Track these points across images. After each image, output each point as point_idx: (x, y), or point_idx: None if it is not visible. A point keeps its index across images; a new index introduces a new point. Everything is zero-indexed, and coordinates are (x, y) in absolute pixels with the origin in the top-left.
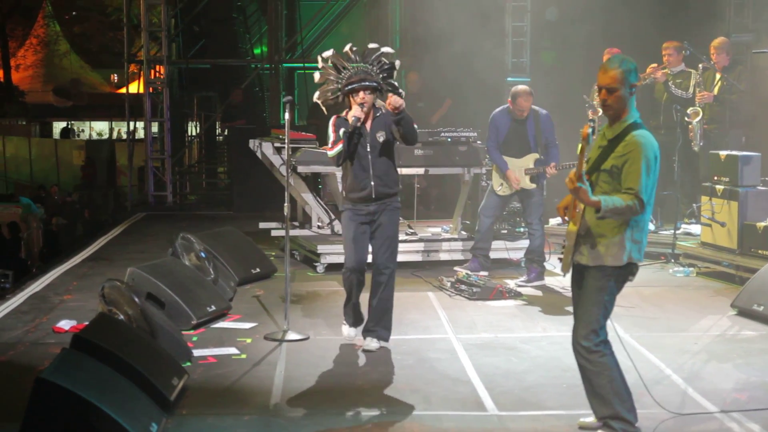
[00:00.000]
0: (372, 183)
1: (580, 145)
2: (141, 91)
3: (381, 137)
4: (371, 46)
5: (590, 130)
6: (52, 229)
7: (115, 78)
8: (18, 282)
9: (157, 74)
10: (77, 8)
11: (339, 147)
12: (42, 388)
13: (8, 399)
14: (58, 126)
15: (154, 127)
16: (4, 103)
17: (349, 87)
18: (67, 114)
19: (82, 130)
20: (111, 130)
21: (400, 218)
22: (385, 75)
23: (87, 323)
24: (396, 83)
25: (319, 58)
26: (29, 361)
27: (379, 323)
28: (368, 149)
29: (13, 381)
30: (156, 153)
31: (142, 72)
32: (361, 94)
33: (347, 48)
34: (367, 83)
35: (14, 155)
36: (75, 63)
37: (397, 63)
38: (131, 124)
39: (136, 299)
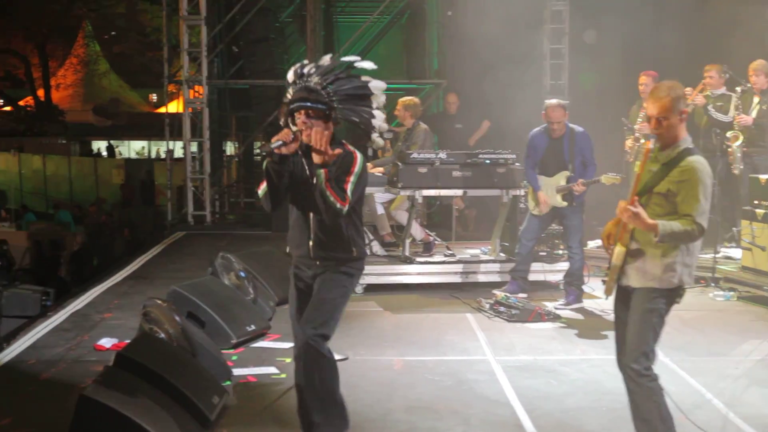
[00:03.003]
0: (310, 242)
1: (637, 167)
2: (180, 110)
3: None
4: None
5: (652, 154)
6: (76, 249)
7: (154, 98)
8: (59, 300)
9: (196, 94)
10: (117, 28)
11: (264, 186)
12: (85, 406)
13: (51, 416)
14: (97, 145)
15: (193, 147)
16: (45, 122)
17: (290, 108)
18: (107, 133)
19: (120, 152)
20: (150, 149)
21: (433, 241)
22: (340, 97)
23: (128, 341)
24: (371, 112)
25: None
26: (71, 378)
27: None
28: (313, 191)
29: (56, 398)
30: (195, 172)
31: (181, 92)
32: (302, 117)
33: (325, 59)
34: (308, 104)
35: (54, 173)
36: (114, 83)
37: (376, 85)
38: (170, 143)
39: (177, 318)
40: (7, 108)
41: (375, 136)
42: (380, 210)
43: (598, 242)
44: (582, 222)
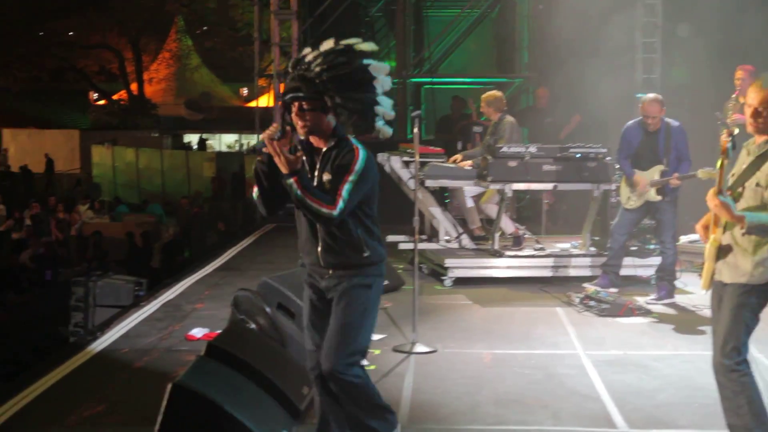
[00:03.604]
0: (318, 248)
1: (720, 160)
2: (271, 104)
3: (328, 183)
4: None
5: (729, 145)
6: (168, 241)
7: (245, 92)
8: (151, 290)
9: None
10: (209, 23)
11: (256, 189)
12: (177, 394)
13: (143, 404)
14: (189, 138)
15: None
16: (138, 115)
17: (283, 100)
18: (198, 127)
19: (211, 145)
20: (241, 142)
21: (523, 235)
22: (338, 85)
23: (219, 332)
24: (375, 99)
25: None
26: (163, 367)
27: None
28: None
29: (148, 386)
30: None
31: (271, 86)
32: (294, 108)
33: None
34: (300, 94)
35: (147, 166)
36: (206, 77)
37: (378, 67)
38: (260, 137)
39: (267, 309)
40: (102, 102)
41: (380, 124)
42: (470, 203)
43: (691, 237)
44: (675, 217)
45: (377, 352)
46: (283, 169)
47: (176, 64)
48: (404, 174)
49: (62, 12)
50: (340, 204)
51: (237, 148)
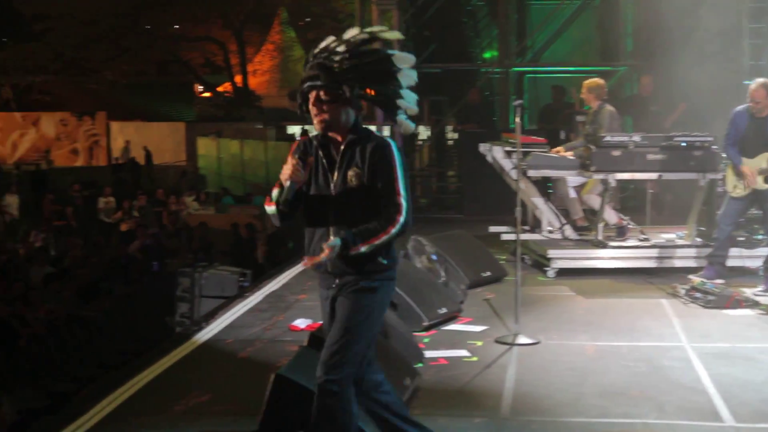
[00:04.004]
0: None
1: None
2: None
3: (354, 179)
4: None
5: None
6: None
7: None
8: (256, 281)
9: None
10: (311, 15)
11: (271, 208)
12: (280, 384)
13: (247, 394)
14: (293, 129)
15: (385, 131)
16: (242, 107)
17: (301, 89)
18: (302, 118)
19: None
20: None
21: (627, 225)
22: (360, 75)
23: (322, 322)
24: (397, 91)
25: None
26: (267, 357)
27: None
28: (331, 190)
29: (252, 376)
30: None
31: None
32: (311, 99)
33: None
34: (319, 83)
35: (251, 158)
36: None
37: (402, 58)
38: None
39: None
40: (207, 94)
41: (402, 118)
42: (572, 194)
43: None
44: None
45: (480, 343)
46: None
47: (279, 55)
48: (506, 164)
49: (168, 5)
50: (403, 203)
51: None
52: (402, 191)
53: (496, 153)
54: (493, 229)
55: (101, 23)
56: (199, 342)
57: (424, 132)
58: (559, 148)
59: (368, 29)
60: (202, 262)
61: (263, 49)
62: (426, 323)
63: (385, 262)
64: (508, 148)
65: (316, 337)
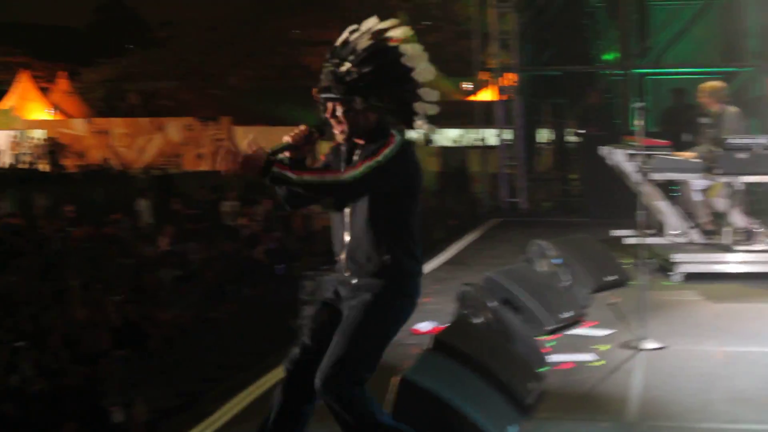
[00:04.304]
0: (343, 254)
1: None
2: (492, 98)
3: None
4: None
5: None
6: None
7: (467, 86)
8: None
9: (508, 81)
10: (431, 18)
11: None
12: (405, 388)
13: (372, 392)
14: (412, 133)
15: (506, 134)
16: None
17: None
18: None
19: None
20: (465, 137)
21: (756, 229)
22: (371, 80)
23: (445, 326)
24: (414, 93)
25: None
26: (391, 360)
27: None
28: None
29: (375, 378)
30: (508, 160)
31: (493, 79)
32: (328, 110)
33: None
34: (331, 95)
35: None
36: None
37: (413, 53)
38: (483, 131)
39: (492, 304)
40: None
41: (420, 122)
42: (697, 197)
43: None
44: None
45: (605, 347)
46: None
47: None
48: (628, 167)
49: (289, 10)
50: (354, 172)
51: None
52: (363, 167)
53: (617, 156)
54: (615, 233)
55: (224, 29)
56: None
57: (545, 135)
58: (686, 153)
59: (378, 26)
60: (325, 265)
61: None
62: (549, 327)
63: (388, 262)
64: (630, 151)
65: (439, 341)
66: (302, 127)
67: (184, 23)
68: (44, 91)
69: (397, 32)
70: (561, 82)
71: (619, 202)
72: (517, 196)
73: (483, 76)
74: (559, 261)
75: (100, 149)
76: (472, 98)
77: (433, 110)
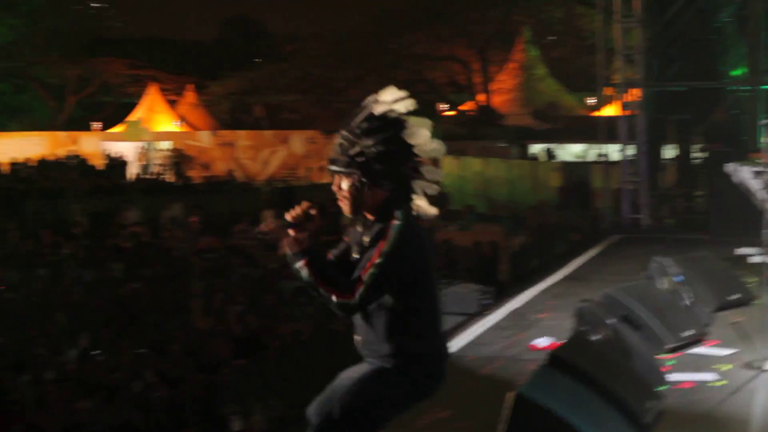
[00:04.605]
0: (359, 336)
1: None
2: (616, 113)
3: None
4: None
5: None
6: (516, 250)
7: (591, 101)
8: (497, 298)
9: (633, 97)
10: (555, 33)
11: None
12: (520, 404)
13: (487, 411)
14: (535, 148)
15: (630, 150)
16: (485, 126)
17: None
18: (545, 136)
19: (557, 155)
20: (587, 152)
21: None
22: (367, 159)
23: (562, 342)
24: (415, 169)
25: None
26: (507, 375)
27: None
28: None
29: (493, 394)
30: (631, 176)
31: (617, 95)
32: (335, 182)
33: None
34: (333, 168)
35: (494, 176)
36: (552, 86)
37: (417, 134)
38: (606, 147)
39: (611, 321)
40: (451, 113)
41: (419, 200)
42: None
43: None
44: None
45: (728, 367)
46: (288, 249)
47: (522, 74)
48: (754, 185)
49: (413, 25)
50: (361, 291)
51: (584, 158)
52: (366, 279)
53: (742, 173)
54: (740, 251)
55: (348, 44)
56: None
57: (670, 151)
58: None
59: (384, 97)
60: (445, 278)
61: (506, 67)
62: (669, 346)
63: (396, 352)
64: (755, 168)
65: (556, 357)
66: (304, 205)
67: (309, 37)
68: (172, 103)
69: (400, 106)
70: (686, 98)
71: (745, 220)
72: (639, 212)
73: (607, 91)
74: (680, 279)
75: (225, 161)
76: (595, 113)
77: (433, 190)
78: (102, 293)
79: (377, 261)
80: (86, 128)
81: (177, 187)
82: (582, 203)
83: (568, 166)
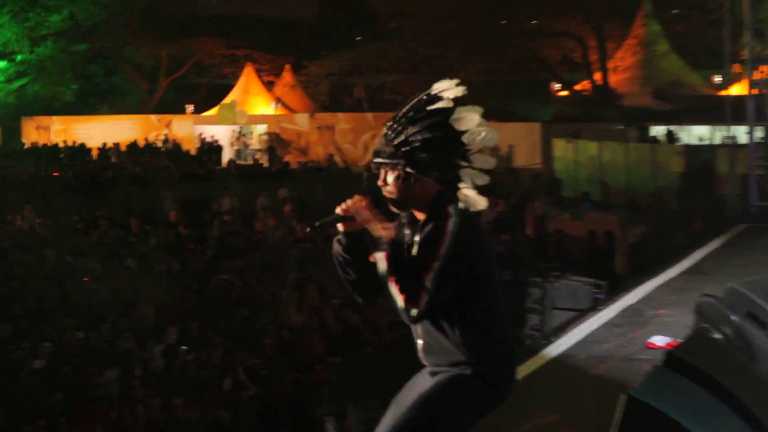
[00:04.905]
0: (420, 342)
1: None
2: (744, 92)
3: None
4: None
5: None
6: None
7: (717, 79)
8: (611, 293)
9: (762, 74)
10: (679, 6)
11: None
12: (632, 408)
13: (598, 415)
14: (656, 130)
15: (758, 132)
16: (601, 106)
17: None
18: (666, 118)
19: (680, 137)
20: (713, 135)
21: None
22: (412, 148)
23: (681, 340)
24: (462, 157)
25: None
26: (620, 376)
27: None
28: None
29: (603, 396)
30: (760, 160)
31: (745, 72)
32: (380, 176)
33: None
34: (378, 160)
35: (610, 161)
36: (675, 63)
37: (468, 119)
38: (733, 128)
39: (735, 317)
40: (564, 92)
41: (467, 191)
42: None
43: None
44: None
45: None
46: (382, 232)
47: (642, 50)
48: None
49: (524, 0)
50: (425, 299)
51: (709, 140)
52: (430, 285)
53: None
54: None
55: (455, 20)
56: (549, 357)
57: None
58: None
59: (434, 88)
60: (554, 271)
61: (625, 44)
62: None
63: (470, 356)
64: None
65: (673, 357)
66: (356, 198)
67: (414, 15)
68: (268, 85)
69: (450, 93)
70: None
71: None
72: None
73: (735, 68)
74: None
75: (324, 145)
76: (722, 93)
77: (482, 180)
78: (191, 285)
79: (437, 264)
80: (179, 111)
81: (272, 173)
82: (706, 190)
83: (691, 150)
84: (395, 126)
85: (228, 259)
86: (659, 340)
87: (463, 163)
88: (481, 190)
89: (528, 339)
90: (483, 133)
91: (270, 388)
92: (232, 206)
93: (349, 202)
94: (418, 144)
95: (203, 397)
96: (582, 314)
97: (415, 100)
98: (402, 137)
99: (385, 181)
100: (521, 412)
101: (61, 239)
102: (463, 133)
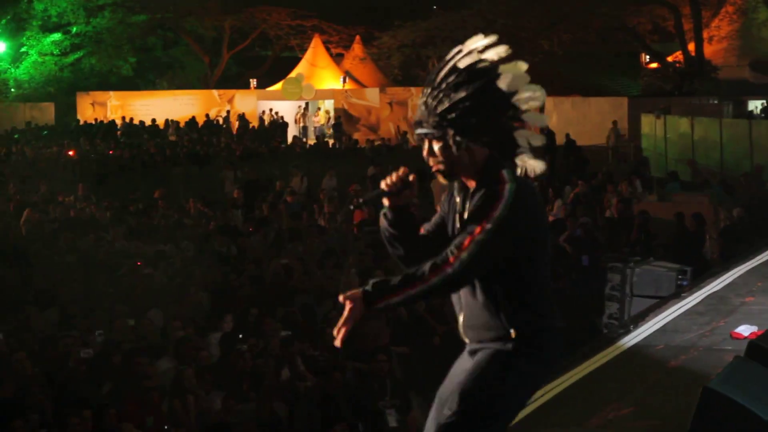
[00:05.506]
0: (461, 316)
1: None
2: None
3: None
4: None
5: None
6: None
7: None
8: (696, 280)
9: None
10: None
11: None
12: (709, 399)
13: (676, 408)
14: (753, 104)
15: None
16: (695, 79)
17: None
18: (765, 92)
19: None
20: None
21: None
22: (458, 115)
23: (765, 330)
24: (515, 131)
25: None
26: (701, 367)
27: None
28: None
29: (682, 388)
30: None
31: None
32: (424, 147)
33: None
34: (423, 131)
35: (703, 138)
36: None
37: (515, 79)
38: None
39: None
40: (654, 65)
41: (526, 157)
42: None
43: None
44: None
45: None
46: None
47: (741, 19)
48: None
49: None
50: (463, 256)
51: None
52: (473, 246)
53: None
54: None
55: None
56: (626, 347)
57: None
58: None
59: (469, 45)
60: (636, 256)
61: (722, 12)
62: None
63: (514, 333)
64: None
65: (756, 347)
66: (401, 171)
67: None
68: (337, 58)
69: (490, 53)
70: None
71: None
72: None
73: None
74: None
75: (395, 121)
76: None
77: (538, 141)
78: (248, 270)
79: (488, 227)
80: (242, 86)
81: (340, 151)
82: None
83: None
84: (436, 93)
85: (289, 243)
86: (745, 330)
87: (517, 125)
88: (571, 166)
89: (605, 328)
90: (532, 92)
91: (329, 379)
92: (303, 186)
93: (393, 175)
94: (464, 110)
95: (259, 389)
96: (663, 302)
97: (452, 64)
98: (446, 104)
99: (430, 152)
100: (593, 405)
101: (115, 221)
102: (511, 93)
